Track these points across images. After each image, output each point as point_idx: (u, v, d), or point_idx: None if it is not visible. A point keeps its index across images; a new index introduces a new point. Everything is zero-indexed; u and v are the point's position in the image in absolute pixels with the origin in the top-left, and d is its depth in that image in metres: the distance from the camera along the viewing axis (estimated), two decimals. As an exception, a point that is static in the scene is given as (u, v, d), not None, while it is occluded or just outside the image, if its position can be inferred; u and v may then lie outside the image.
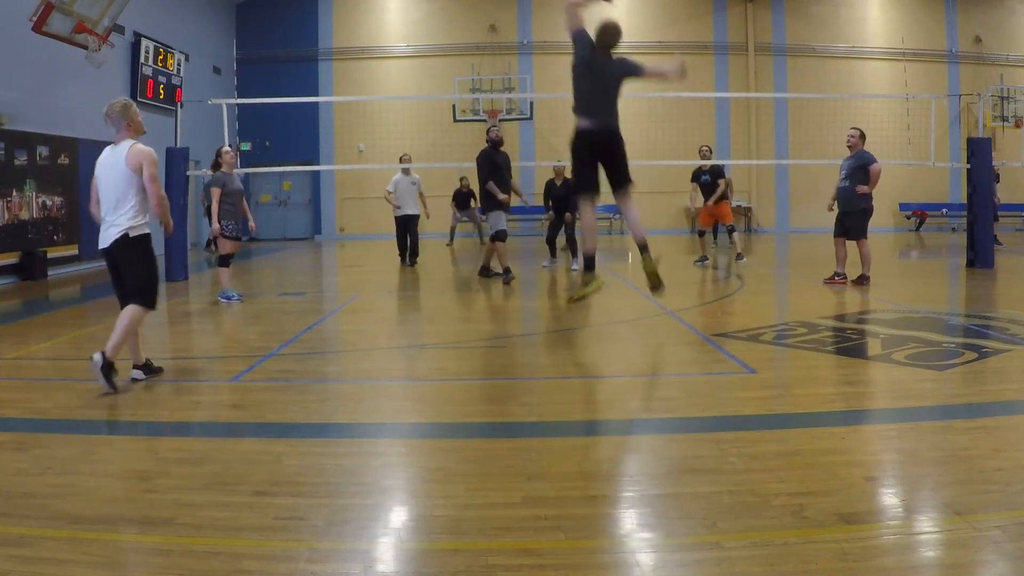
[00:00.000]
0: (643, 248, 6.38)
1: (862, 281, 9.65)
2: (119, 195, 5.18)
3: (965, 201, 12.50)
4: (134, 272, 5.25)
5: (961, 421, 4.28)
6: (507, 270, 10.48)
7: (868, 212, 9.74)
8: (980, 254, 11.67)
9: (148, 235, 5.29)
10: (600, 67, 6.18)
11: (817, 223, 20.48)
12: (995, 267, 11.69)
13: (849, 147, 9.79)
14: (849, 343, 6.48)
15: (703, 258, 12.87)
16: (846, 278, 9.85)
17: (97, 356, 5.03)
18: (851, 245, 9.90)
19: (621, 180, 6.38)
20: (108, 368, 5.03)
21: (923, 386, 4.96)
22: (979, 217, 11.72)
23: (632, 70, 6.24)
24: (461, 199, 17.90)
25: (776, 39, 21.36)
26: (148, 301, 5.29)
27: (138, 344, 5.41)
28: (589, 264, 6.50)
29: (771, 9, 21.38)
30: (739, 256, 12.87)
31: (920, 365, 5.45)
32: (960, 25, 21.56)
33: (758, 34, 21.34)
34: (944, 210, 21.44)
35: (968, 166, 12.05)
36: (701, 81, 20.81)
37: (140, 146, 5.19)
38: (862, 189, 9.52)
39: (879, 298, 8.68)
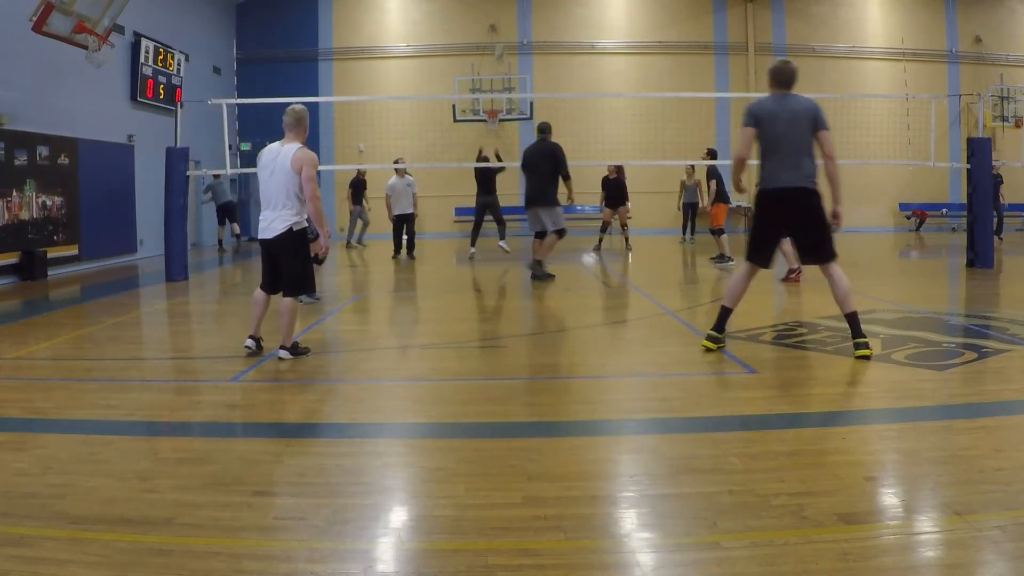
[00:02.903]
0: None
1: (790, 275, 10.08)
2: (283, 192, 5.67)
3: (965, 201, 12.51)
4: (291, 263, 5.80)
5: (961, 421, 4.28)
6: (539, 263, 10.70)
7: None
8: (980, 254, 11.67)
9: (306, 230, 5.84)
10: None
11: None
12: (995, 267, 11.71)
13: None
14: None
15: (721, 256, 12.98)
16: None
17: (283, 352, 5.77)
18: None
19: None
20: (295, 350, 5.83)
21: (923, 386, 4.96)
22: (979, 217, 11.72)
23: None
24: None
25: (776, 39, 21.33)
26: (298, 291, 5.89)
27: (260, 323, 6.01)
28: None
29: (771, 9, 21.35)
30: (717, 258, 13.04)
31: (920, 365, 5.45)
32: (960, 25, 21.54)
33: (758, 34, 21.31)
34: (944, 210, 21.42)
35: (968, 166, 12.05)
36: (701, 81, 20.80)
37: (305, 150, 5.73)
38: None
39: (879, 298, 8.68)
